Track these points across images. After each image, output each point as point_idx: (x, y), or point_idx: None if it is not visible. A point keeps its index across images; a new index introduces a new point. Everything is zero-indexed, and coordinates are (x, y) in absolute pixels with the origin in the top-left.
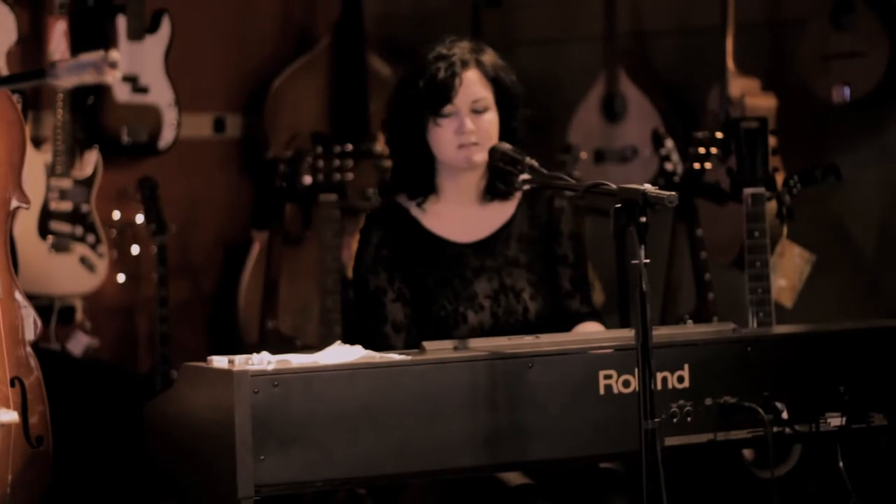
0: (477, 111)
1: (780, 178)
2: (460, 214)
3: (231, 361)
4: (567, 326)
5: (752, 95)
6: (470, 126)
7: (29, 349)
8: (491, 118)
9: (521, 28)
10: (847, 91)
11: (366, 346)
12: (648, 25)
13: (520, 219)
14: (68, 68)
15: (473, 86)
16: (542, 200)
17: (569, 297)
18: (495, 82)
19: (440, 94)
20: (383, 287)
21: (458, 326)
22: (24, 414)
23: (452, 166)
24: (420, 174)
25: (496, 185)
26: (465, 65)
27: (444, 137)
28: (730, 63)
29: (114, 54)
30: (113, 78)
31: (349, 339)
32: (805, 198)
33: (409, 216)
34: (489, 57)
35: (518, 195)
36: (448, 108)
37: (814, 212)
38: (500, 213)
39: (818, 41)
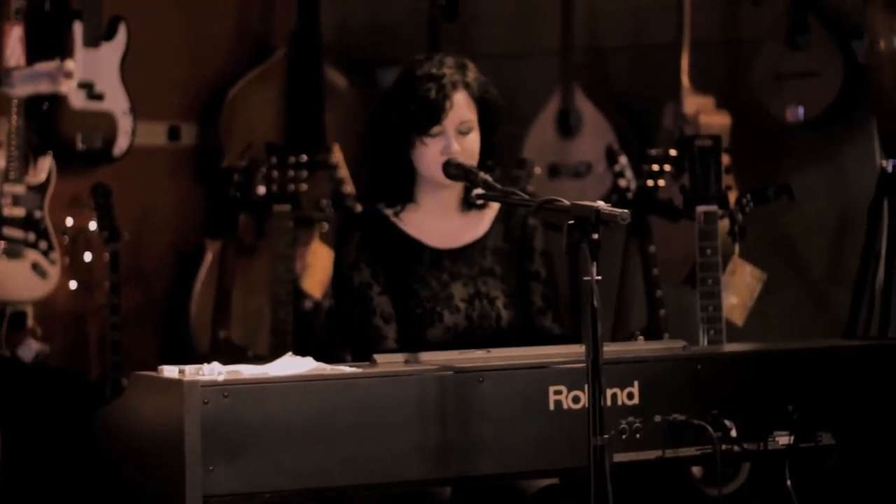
0: (462, 132)
1: (732, 197)
2: (438, 223)
3: (181, 371)
4: (539, 344)
5: (706, 113)
6: (456, 147)
7: None
8: (474, 138)
9: (478, 42)
10: (801, 111)
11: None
12: (604, 42)
13: (494, 233)
14: (23, 78)
15: (461, 108)
16: (517, 217)
17: (541, 313)
18: (480, 102)
19: (430, 115)
20: (368, 281)
21: (433, 324)
22: None
23: (435, 182)
24: (399, 185)
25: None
26: (454, 86)
27: (429, 156)
28: (685, 80)
29: (69, 64)
30: (68, 88)
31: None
32: (757, 216)
33: (388, 221)
34: (474, 75)
35: (493, 211)
36: (436, 129)
37: (765, 230)
38: (476, 226)
39: (773, 60)
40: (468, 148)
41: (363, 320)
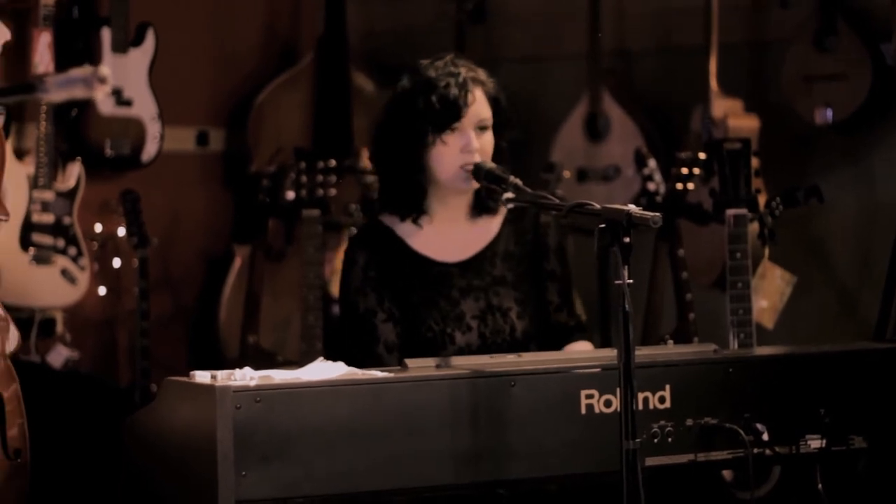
0: (480, 129)
1: (762, 200)
2: (446, 234)
3: (214, 376)
4: (555, 339)
5: (734, 116)
6: (476, 144)
7: (8, 361)
8: (490, 138)
9: (506, 45)
10: (829, 113)
11: (360, 367)
12: (632, 45)
13: (505, 237)
14: (58, 83)
15: (480, 105)
16: (527, 217)
17: (558, 310)
18: (494, 102)
19: (451, 111)
20: (373, 308)
21: (445, 347)
22: (2, 427)
23: (449, 186)
24: (413, 194)
25: (484, 201)
26: (473, 83)
27: (448, 155)
28: (713, 83)
29: (103, 70)
30: (102, 93)
31: (338, 360)
32: (787, 219)
33: (394, 236)
34: (485, 75)
35: (503, 212)
36: (455, 126)
37: (795, 233)
38: (485, 231)
39: (801, 63)
40: (485, 146)
41: (367, 348)
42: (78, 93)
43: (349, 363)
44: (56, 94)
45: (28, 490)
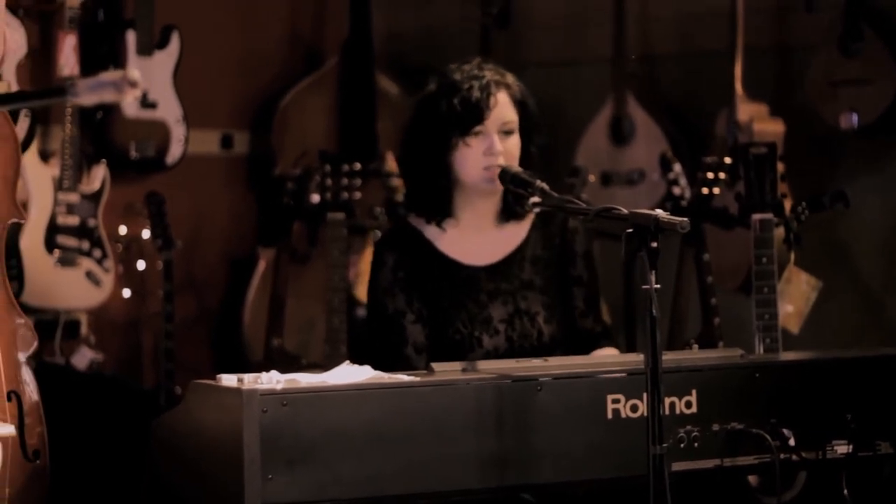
0: (505, 133)
1: (787, 204)
2: (475, 237)
3: (240, 380)
4: (581, 345)
5: (760, 121)
6: (499, 147)
7: (26, 364)
8: (516, 141)
9: (530, 49)
10: (855, 118)
11: (387, 369)
12: (657, 49)
13: (533, 241)
14: (89, 87)
15: (504, 108)
16: (556, 221)
17: (583, 316)
18: (521, 106)
19: (473, 114)
20: (402, 309)
21: (473, 350)
22: (20, 428)
23: (474, 188)
24: (437, 196)
25: (511, 206)
26: (497, 86)
27: (471, 157)
28: (738, 88)
29: (134, 73)
30: (132, 96)
31: (363, 363)
32: (812, 224)
33: (422, 238)
34: (513, 79)
35: (531, 217)
36: (478, 128)
37: (820, 238)
38: (514, 235)
39: (826, 67)
40: (510, 150)
41: (395, 349)
42: (108, 96)
43: (376, 365)
44: (86, 97)
45: (47, 494)
